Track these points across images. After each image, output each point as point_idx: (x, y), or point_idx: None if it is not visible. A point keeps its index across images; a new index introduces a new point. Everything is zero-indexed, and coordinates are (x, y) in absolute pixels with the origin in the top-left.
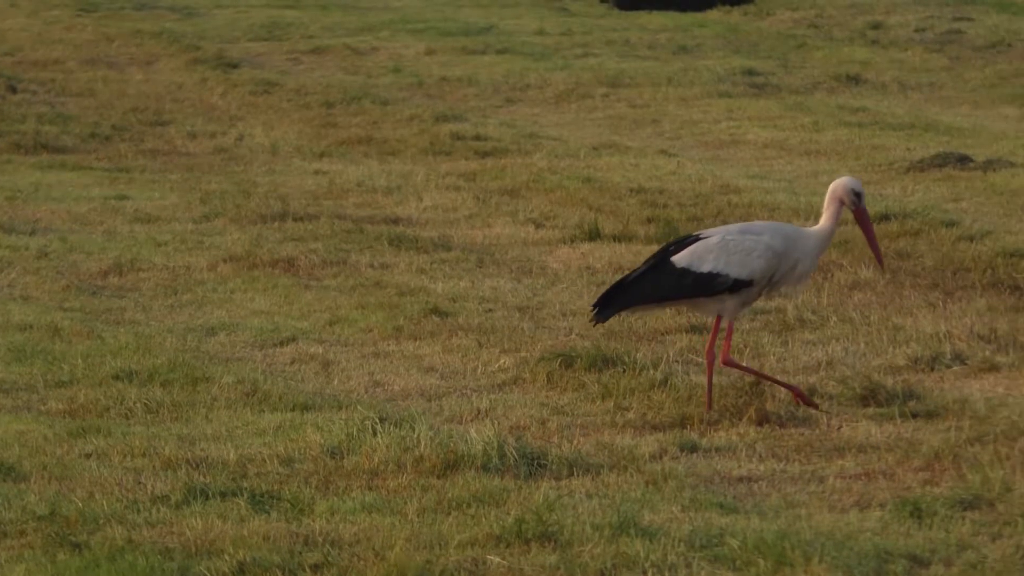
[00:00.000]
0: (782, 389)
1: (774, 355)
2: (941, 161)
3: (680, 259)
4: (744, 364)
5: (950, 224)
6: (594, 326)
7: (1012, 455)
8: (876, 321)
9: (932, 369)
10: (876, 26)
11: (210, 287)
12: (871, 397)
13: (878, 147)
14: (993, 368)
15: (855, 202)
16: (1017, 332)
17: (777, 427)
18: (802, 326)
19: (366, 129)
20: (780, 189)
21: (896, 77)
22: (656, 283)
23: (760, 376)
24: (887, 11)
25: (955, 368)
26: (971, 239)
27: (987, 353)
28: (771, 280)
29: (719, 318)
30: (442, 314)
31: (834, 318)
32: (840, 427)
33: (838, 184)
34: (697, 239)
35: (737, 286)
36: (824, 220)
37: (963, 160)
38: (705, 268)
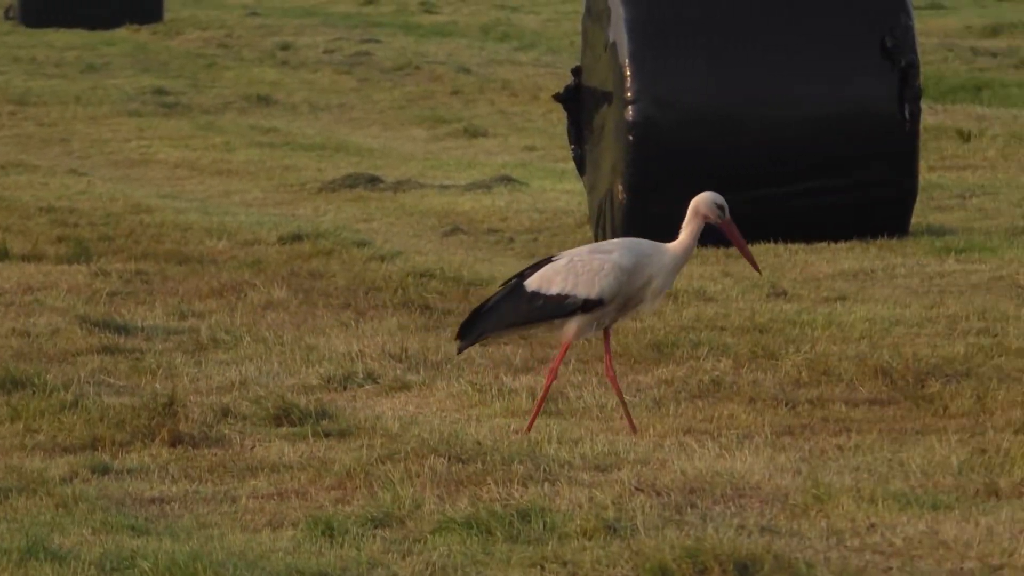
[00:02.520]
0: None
1: (188, 375)
2: (352, 182)
3: (531, 283)
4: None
5: (362, 244)
6: (457, 355)
7: (422, 473)
8: (289, 341)
9: (345, 388)
10: (286, 47)
11: None
12: (284, 417)
13: (290, 168)
14: (404, 387)
15: (720, 215)
16: (427, 351)
17: (190, 448)
18: (216, 346)
19: None
20: (192, 209)
21: (306, 98)
22: (510, 308)
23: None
24: (296, 32)
25: (367, 387)
26: (382, 259)
27: (398, 372)
28: (626, 297)
29: (607, 336)
30: None
31: (248, 338)
32: (253, 447)
33: (700, 200)
34: (549, 261)
35: (588, 306)
36: (683, 236)
37: (373, 181)
38: (554, 290)
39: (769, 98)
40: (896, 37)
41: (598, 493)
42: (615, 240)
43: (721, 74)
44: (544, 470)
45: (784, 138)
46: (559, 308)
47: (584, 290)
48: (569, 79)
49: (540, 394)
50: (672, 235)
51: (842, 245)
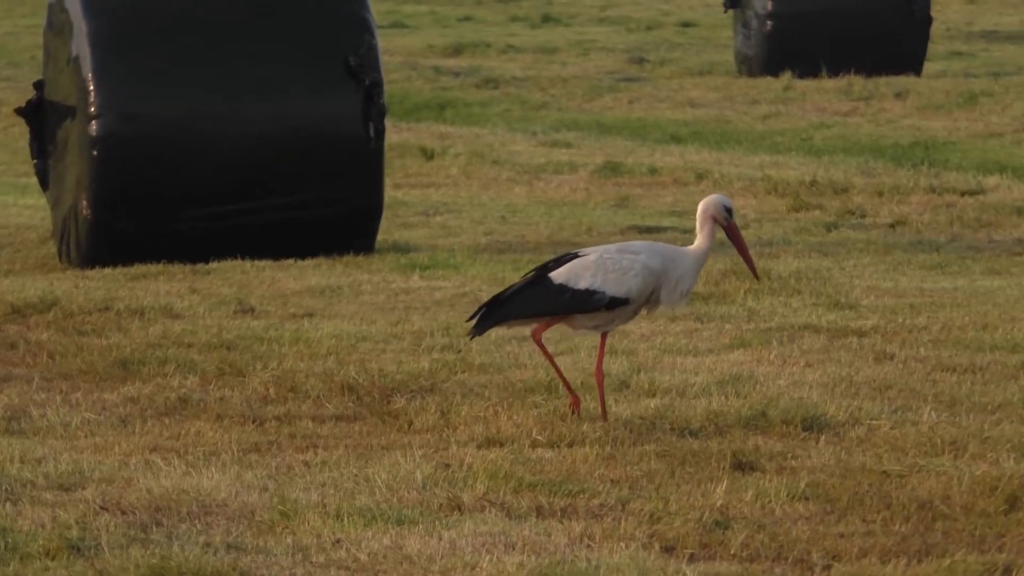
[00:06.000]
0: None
1: None
2: None
3: (558, 275)
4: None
5: None
6: (471, 340)
7: None
8: None
9: None
10: None
11: None
12: None
13: None
14: None
15: (727, 218)
16: None
17: None
18: None
19: None
20: None
21: None
22: (534, 298)
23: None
24: None
25: None
26: None
27: None
28: (650, 298)
29: (604, 337)
30: None
31: None
32: None
33: (710, 202)
34: (575, 256)
35: (613, 304)
36: (701, 239)
37: None
38: (582, 285)
39: (235, 114)
40: (360, 56)
41: (62, 512)
42: (640, 242)
43: (187, 90)
44: (6, 490)
45: (250, 154)
46: (585, 303)
47: (613, 288)
48: (31, 93)
49: (599, 397)
50: (138, 252)
51: (309, 262)
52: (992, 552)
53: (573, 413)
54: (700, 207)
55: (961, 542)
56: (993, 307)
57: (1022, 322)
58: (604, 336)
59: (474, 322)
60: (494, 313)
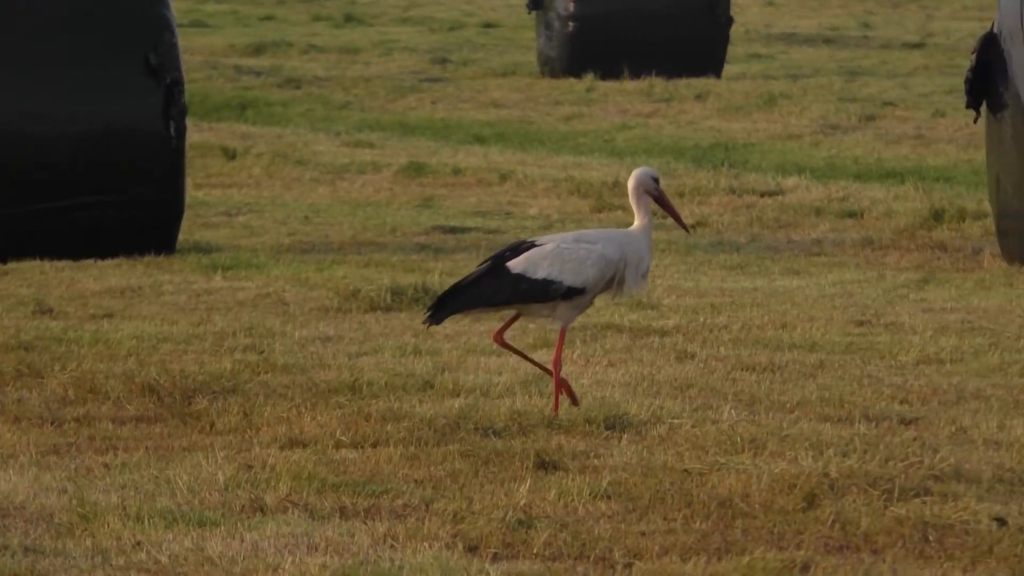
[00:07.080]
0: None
1: None
2: None
3: (515, 265)
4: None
5: None
6: (427, 328)
7: None
8: None
9: None
10: None
11: None
12: None
13: None
14: None
15: (657, 188)
16: None
17: None
18: None
19: None
20: None
21: None
22: (491, 288)
23: (529, 360)
24: None
25: None
26: None
27: None
28: (610, 285)
29: (563, 332)
30: None
31: None
32: None
33: (639, 177)
34: (532, 245)
35: (570, 293)
36: (640, 217)
37: None
38: (540, 275)
39: (32, 113)
40: (160, 54)
41: None
42: (596, 230)
43: None
44: None
45: (48, 153)
46: (542, 293)
47: (570, 278)
48: None
49: (552, 389)
50: None
51: (109, 262)
52: (791, 549)
53: (573, 404)
54: (631, 184)
55: (760, 539)
56: (792, 306)
57: (820, 321)
58: (563, 332)
59: (430, 312)
60: (451, 302)
